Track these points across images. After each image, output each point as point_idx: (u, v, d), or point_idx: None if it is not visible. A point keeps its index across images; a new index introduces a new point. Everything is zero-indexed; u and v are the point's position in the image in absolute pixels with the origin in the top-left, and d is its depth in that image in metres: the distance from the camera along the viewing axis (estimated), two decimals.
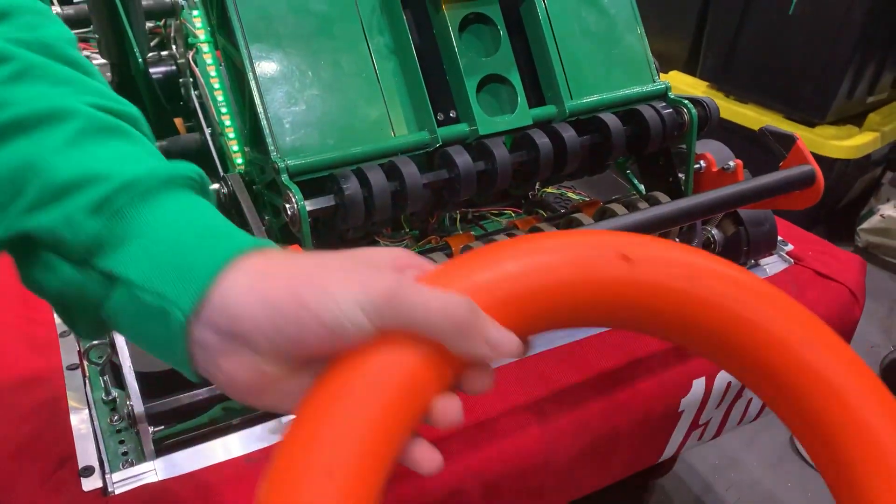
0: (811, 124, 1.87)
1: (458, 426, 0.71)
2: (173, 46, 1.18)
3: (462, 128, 0.76)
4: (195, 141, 1.15)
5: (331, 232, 0.75)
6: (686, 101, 0.83)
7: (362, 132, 0.72)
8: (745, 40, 1.91)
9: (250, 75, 0.69)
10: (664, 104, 0.84)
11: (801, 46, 1.80)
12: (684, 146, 0.85)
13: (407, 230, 1.09)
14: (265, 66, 0.69)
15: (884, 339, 1.73)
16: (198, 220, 0.37)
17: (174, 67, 1.19)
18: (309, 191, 0.69)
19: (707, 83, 2.05)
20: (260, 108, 0.69)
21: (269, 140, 0.68)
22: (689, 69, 2.11)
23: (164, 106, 1.10)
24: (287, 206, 0.66)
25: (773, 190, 0.75)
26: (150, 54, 1.21)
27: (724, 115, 1.99)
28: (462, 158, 0.72)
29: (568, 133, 0.77)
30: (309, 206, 0.66)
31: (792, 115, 1.89)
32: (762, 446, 1.48)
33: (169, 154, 1.15)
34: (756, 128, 1.95)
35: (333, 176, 0.68)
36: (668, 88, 0.86)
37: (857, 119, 1.94)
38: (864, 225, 1.99)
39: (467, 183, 0.73)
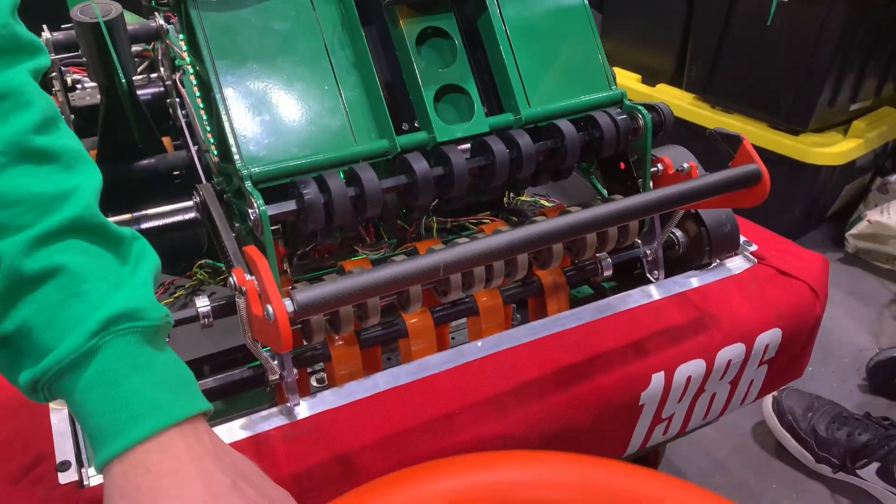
0: (795, 132, 1.90)
1: (418, 419, 0.74)
2: (161, 69, 1.23)
3: (421, 136, 0.80)
4: (182, 158, 1.20)
5: (298, 236, 0.79)
6: (640, 107, 0.87)
7: (324, 141, 0.76)
8: (727, 53, 1.94)
9: (216, 88, 0.73)
10: (619, 110, 0.87)
11: (780, 57, 1.83)
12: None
13: (385, 239, 1.12)
14: (230, 80, 0.74)
15: (871, 343, 1.74)
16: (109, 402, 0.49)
17: (162, 88, 1.25)
18: (274, 197, 0.73)
19: (693, 95, 2.09)
20: (225, 120, 0.73)
21: (233, 149, 0.72)
22: (676, 82, 2.15)
23: (152, 126, 1.15)
24: (250, 211, 0.70)
25: (719, 188, 0.78)
26: (140, 76, 1.26)
27: (710, 125, 2.03)
28: (420, 164, 0.76)
29: (523, 139, 0.80)
30: (270, 210, 0.70)
31: (776, 124, 1.92)
32: (749, 450, 1.49)
33: (157, 170, 1.19)
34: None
35: (294, 182, 0.72)
36: (623, 95, 0.89)
37: (842, 126, 1.97)
38: (853, 231, 2.01)
39: (425, 187, 0.76)
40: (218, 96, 0.73)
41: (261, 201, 0.69)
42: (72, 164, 0.52)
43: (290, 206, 0.71)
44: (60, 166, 0.51)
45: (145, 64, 1.28)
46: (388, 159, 0.79)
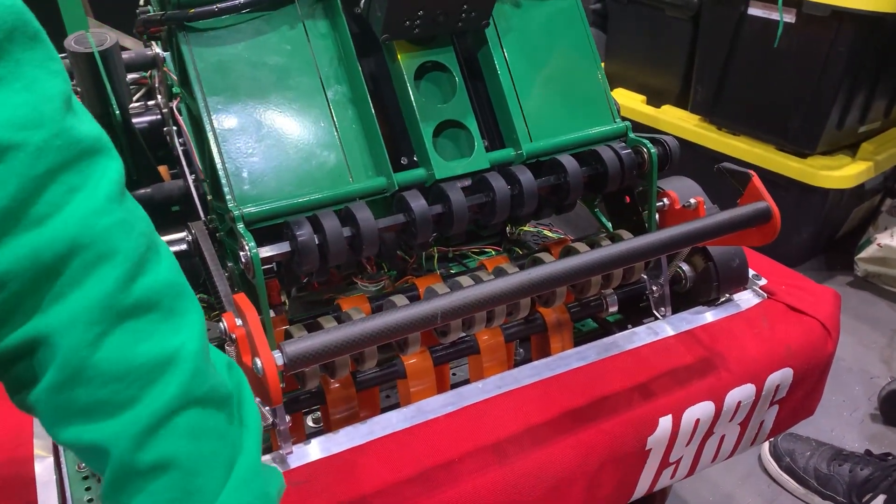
0: (803, 155, 1.87)
1: (417, 468, 0.72)
2: (158, 96, 1.21)
3: (419, 172, 0.77)
4: (178, 188, 1.18)
5: (293, 276, 0.77)
6: (645, 141, 0.85)
7: (320, 179, 0.74)
8: (733, 74, 1.92)
9: (207, 126, 0.71)
10: (623, 144, 0.85)
11: (788, 79, 1.81)
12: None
13: (385, 270, 1.10)
14: (222, 118, 0.72)
15: (883, 370, 1.71)
16: None
17: (159, 116, 1.23)
18: (268, 238, 0.71)
19: (699, 117, 2.06)
20: (217, 159, 0.70)
21: (226, 189, 0.70)
22: (681, 103, 2.12)
23: (148, 156, 1.13)
24: (241, 253, 0.67)
25: (729, 227, 0.75)
26: (137, 104, 1.24)
27: (716, 147, 2.00)
28: (418, 203, 0.74)
29: (524, 176, 0.78)
30: (263, 252, 0.68)
31: (783, 147, 1.90)
32: (757, 482, 1.45)
33: (153, 200, 1.17)
34: (748, 159, 1.95)
35: (288, 223, 0.70)
36: (627, 128, 0.87)
37: (851, 149, 1.94)
38: (862, 254, 1.98)
39: (423, 226, 0.74)
40: (210, 135, 0.71)
41: (252, 244, 0.67)
42: (173, 309, 0.45)
43: (284, 247, 0.69)
44: (161, 315, 0.44)
45: (142, 91, 1.27)
46: (385, 197, 0.76)
